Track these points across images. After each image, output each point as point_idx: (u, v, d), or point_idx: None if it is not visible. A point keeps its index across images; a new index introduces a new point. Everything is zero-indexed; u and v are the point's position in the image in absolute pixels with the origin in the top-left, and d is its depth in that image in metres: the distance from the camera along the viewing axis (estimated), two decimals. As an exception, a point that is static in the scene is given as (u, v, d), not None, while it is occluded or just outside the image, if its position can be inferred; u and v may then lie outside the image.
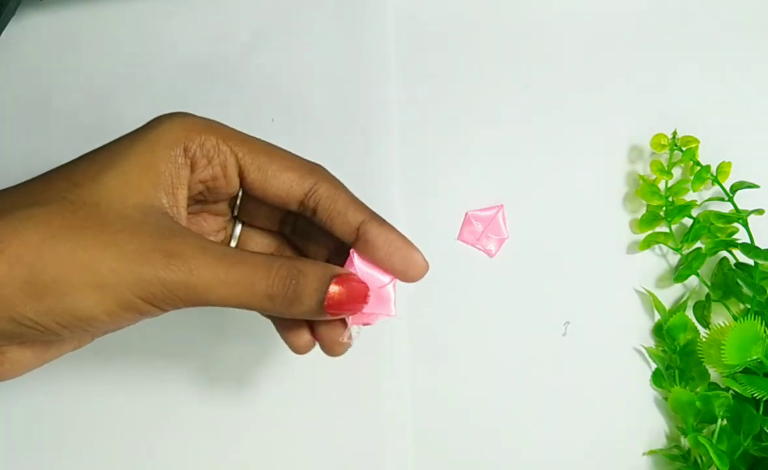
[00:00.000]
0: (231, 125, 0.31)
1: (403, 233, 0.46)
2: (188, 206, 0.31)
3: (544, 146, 0.47)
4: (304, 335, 0.33)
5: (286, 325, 0.33)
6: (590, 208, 0.46)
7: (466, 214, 0.47)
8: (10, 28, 0.50)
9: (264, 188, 0.30)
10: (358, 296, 0.29)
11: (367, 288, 0.29)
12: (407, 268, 0.30)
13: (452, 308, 0.46)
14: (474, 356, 0.45)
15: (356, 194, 0.47)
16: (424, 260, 0.31)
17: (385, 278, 0.30)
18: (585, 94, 0.48)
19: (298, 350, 0.33)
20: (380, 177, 0.48)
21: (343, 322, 0.31)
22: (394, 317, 0.30)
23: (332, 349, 0.32)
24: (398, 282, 0.31)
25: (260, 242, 0.35)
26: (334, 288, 0.28)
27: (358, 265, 0.30)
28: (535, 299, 0.45)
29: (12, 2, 0.48)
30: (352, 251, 0.30)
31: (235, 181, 0.31)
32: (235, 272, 0.27)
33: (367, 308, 0.30)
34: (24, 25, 0.51)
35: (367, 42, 0.50)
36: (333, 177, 0.31)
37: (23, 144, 0.50)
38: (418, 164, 0.48)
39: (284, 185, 0.30)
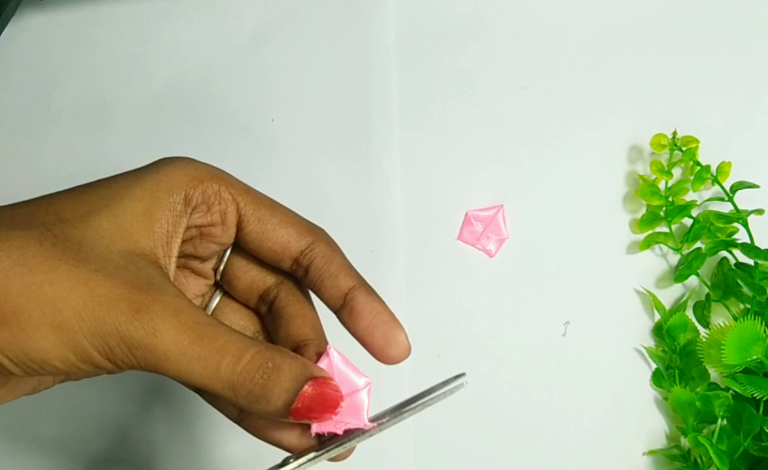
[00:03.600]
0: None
1: (403, 233, 0.46)
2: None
3: (544, 146, 0.47)
4: (305, 433, 0.28)
5: (269, 424, 0.29)
6: (590, 208, 0.46)
7: (466, 214, 0.47)
8: (10, 28, 0.50)
9: (261, 240, 0.29)
10: (329, 404, 0.26)
11: (340, 397, 0.26)
12: (388, 345, 0.28)
13: (452, 308, 0.46)
14: (474, 356, 0.45)
15: (356, 194, 0.47)
16: (408, 341, 0.28)
17: (361, 381, 0.27)
18: (585, 94, 0.48)
19: (297, 448, 0.28)
20: (380, 177, 0.48)
21: (303, 425, 0.28)
22: (366, 428, 0.27)
23: (290, 448, 0.28)
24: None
25: (235, 320, 0.32)
26: (306, 390, 0.25)
27: (335, 361, 0.27)
28: (535, 299, 0.45)
29: (12, 2, 0.48)
30: (329, 346, 0.28)
31: (232, 231, 0.29)
32: (200, 347, 0.24)
33: (336, 416, 0.27)
34: (24, 25, 0.51)
35: (368, 42, 0.50)
36: (331, 240, 0.30)
37: (23, 144, 0.50)
38: (418, 164, 0.48)
39: (282, 240, 0.29)
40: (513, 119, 0.48)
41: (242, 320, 0.32)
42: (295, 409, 0.25)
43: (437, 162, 0.48)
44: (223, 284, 0.32)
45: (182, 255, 0.30)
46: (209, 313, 0.31)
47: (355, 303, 0.28)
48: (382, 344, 0.28)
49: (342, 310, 0.29)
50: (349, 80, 0.49)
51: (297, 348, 0.29)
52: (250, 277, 0.31)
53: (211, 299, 0.32)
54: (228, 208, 0.29)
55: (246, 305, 0.32)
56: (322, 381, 0.26)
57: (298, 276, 0.30)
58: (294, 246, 0.29)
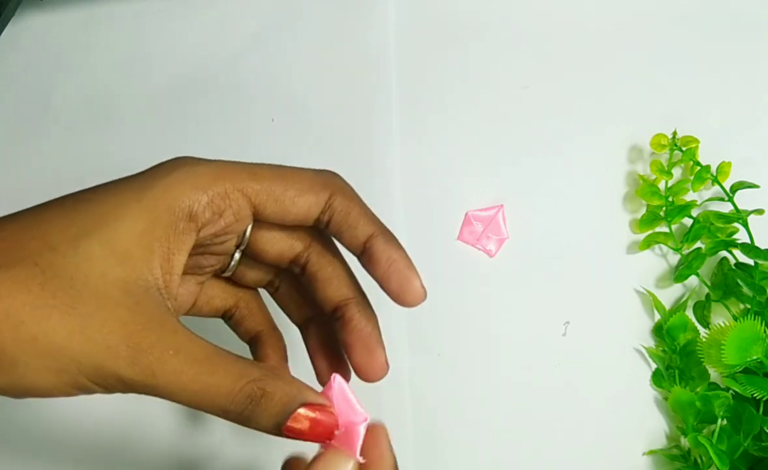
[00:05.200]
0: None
1: (403, 233, 0.46)
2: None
3: (544, 146, 0.47)
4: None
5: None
6: (590, 208, 0.46)
7: (466, 214, 0.47)
8: (10, 28, 0.50)
9: (282, 216, 0.29)
10: (322, 433, 0.27)
11: (335, 426, 0.27)
12: (403, 292, 0.29)
13: (452, 308, 0.46)
14: (474, 356, 0.45)
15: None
16: (423, 287, 0.30)
17: (360, 416, 0.28)
18: (585, 95, 0.48)
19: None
20: (380, 177, 0.48)
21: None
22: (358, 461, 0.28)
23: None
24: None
25: (253, 277, 0.33)
26: (302, 412, 0.26)
27: (337, 388, 0.28)
28: (535, 299, 0.45)
29: (12, 2, 0.48)
30: (335, 375, 0.28)
31: (248, 220, 0.29)
32: (200, 383, 0.25)
33: (332, 442, 0.28)
34: (24, 25, 0.51)
35: (368, 42, 0.50)
36: (346, 187, 0.31)
37: (23, 144, 0.50)
38: (418, 164, 0.48)
39: (303, 209, 0.29)
40: (513, 118, 0.48)
41: (259, 276, 0.33)
42: (288, 428, 0.26)
43: (437, 162, 0.48)
44: (251, 257, 0.32)
45: (197, 249, 0.29)
46: (236, 261, 0.32)
47: (373, 250, 0.30)
48: (397, 290, 0.30)
49: (362, 257, 0.30)
50: (349, 80, 0.49)
51: (338, 308, 0.31)
52: (278, 249, 0.32)
53: (231, 259, 0.32)
54: (240, 206, 0.28)
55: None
56: (318, 407, 0.27)
57: (321, 228, 0.31)
58: (315, 209, 0.30)
